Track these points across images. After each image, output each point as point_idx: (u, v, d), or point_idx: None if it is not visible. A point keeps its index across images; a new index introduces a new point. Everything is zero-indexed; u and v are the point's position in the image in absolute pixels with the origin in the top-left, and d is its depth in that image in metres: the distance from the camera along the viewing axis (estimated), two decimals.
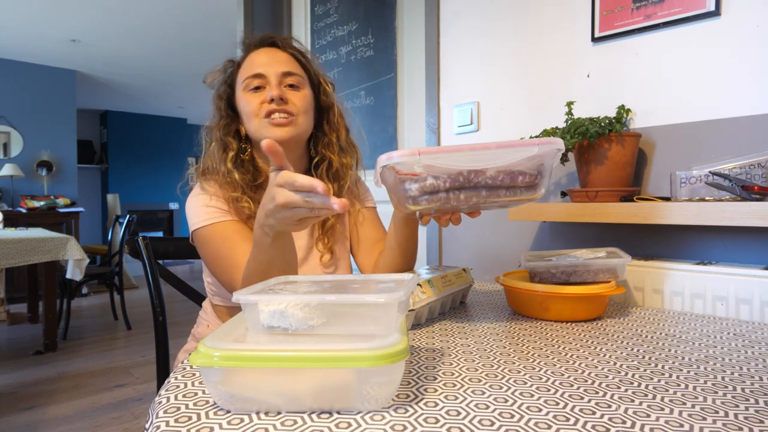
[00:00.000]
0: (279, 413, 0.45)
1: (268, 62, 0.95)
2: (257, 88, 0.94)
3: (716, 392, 0.50)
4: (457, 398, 0.48)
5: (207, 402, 0.47)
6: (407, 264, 0.98)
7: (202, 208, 0.90)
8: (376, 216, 1.11)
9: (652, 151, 1.29)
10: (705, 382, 0.53)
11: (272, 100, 0.91)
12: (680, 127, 1.24)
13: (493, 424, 0.43)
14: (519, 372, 0.56)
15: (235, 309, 0.98)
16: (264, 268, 0.73)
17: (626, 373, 0.56)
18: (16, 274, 4.51)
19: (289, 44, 1.00)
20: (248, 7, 2.58)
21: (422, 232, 1.91)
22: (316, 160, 1.03)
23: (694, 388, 0.52)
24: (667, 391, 0.51)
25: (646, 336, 0.73)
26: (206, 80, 1.01)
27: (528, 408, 0.46)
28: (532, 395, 0.49)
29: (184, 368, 0.58)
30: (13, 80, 5.07)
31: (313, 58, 1.04)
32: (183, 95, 6.43)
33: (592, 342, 0.69)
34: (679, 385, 0.52)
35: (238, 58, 1.01)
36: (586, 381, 0.53)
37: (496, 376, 0.55)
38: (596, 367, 0.58)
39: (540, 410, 0.46)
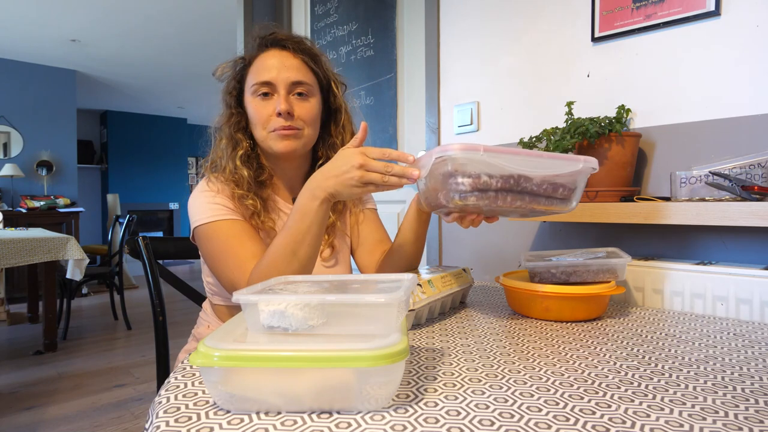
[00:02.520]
0: (279, 413, 0.45)
1: (278, 69, 0.92)
2: (265, 95, 0.92)
3: (716, 392, 0.50)
4: (457, 398, 0.48)
5: (207, 402, 0.47)
6: (414, 263, 0.99)
7: (208, 205, 0.90)
8: (377, 217, 1.11)
9: (652, 151, 1.29)
10: (705, 382, 0.53)
11: (279, 114, 0.91)
12: (680, 127, 1.24)
13: (493, 424, 0.43)
14: (519, 372, 0.56)
15: (235, 309, 0.98)
16: (297, 239, 0.77)
17: (626, 373, 0.56)
18: (16, 274, 4.51)
19: (300, 47, 0.97)
20: (248, 7, 2.58)
21: None
22: (321, 162, 1.02)
23: (694, 388, 0.52)
24: (667, 391, 0.51)
25: (646, 336, 0.73)
26: (216, 73, 1.00)
27: (528, 408, 0.46)
28: (532, 395, 0.49)
29: (184, 368, 0.58)
30: (13, 80, 5.07)
31: (324, 59, 1.01)
32: (183, 95, 6.43)
33: (592, 342, 0.69)
34: (679, 385, 0.52)
35: (247, 53, 0.98)
36: (586, 381, 0.53)
37: (496, 376, 0.55)
38: (596, 367, 0.58)
39: (540, 410, 0.46)
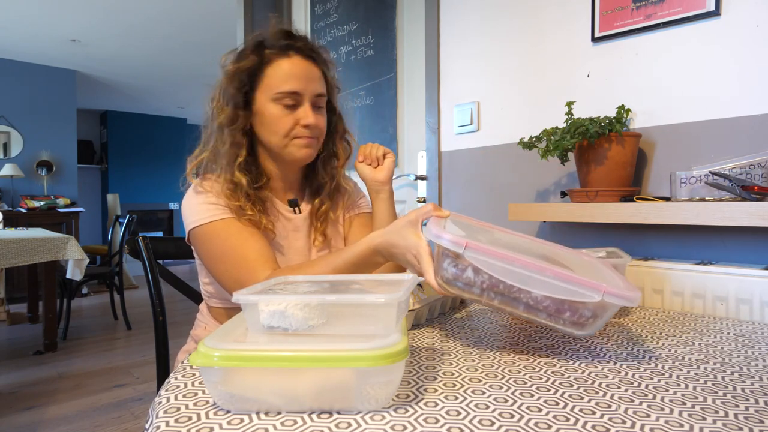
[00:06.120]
0: (279, 413, 0.45)
1: (306, 80, 0.92)
2: (291, 106, 0.92)
3: (716, 392, 0.50)
4: (457, 398, 0.48)
5: (207, 402, 0.47)
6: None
7: (204, 206, 0.89)
8: (370, 221, 1.10)
9: (652, 151, 1.29)
10: (705, 382, 0.53)
11: (307, 126, 0.92)
12: (680, 127, 1.24)
13: (493, 424, 0.43)
14: (519, 372, 0.56)
15: (233, 311, 0.97)
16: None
17: (626, 373, 0.56)
18: (16, 274, 4.50)
19: (321, 59, 0.97)
20: (248, 7, 2.58)
21: None
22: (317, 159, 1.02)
23: (694, 388, 0.51)
24: (667, 391, 0.51)
25: (646, 336, 0.73)
26: (225, 64, 0.95)
27: (528, 408, 0.46)
28: (532, 395, 0.49)
29: (184, 368, 0.58)
30: (13, 80, 5.07)
31: (332, 68, 1.02)
32: (183, 95, 6.42)
33: (592, 342, 0.69)
34: (679, 385, 0.52)
35: (268, 51, 0.92)
36: (586, 381, 0.53)
37: (496, 376, 0.55)
38: (596, 367, 0.58)
39: (540, 410, 0.46)
